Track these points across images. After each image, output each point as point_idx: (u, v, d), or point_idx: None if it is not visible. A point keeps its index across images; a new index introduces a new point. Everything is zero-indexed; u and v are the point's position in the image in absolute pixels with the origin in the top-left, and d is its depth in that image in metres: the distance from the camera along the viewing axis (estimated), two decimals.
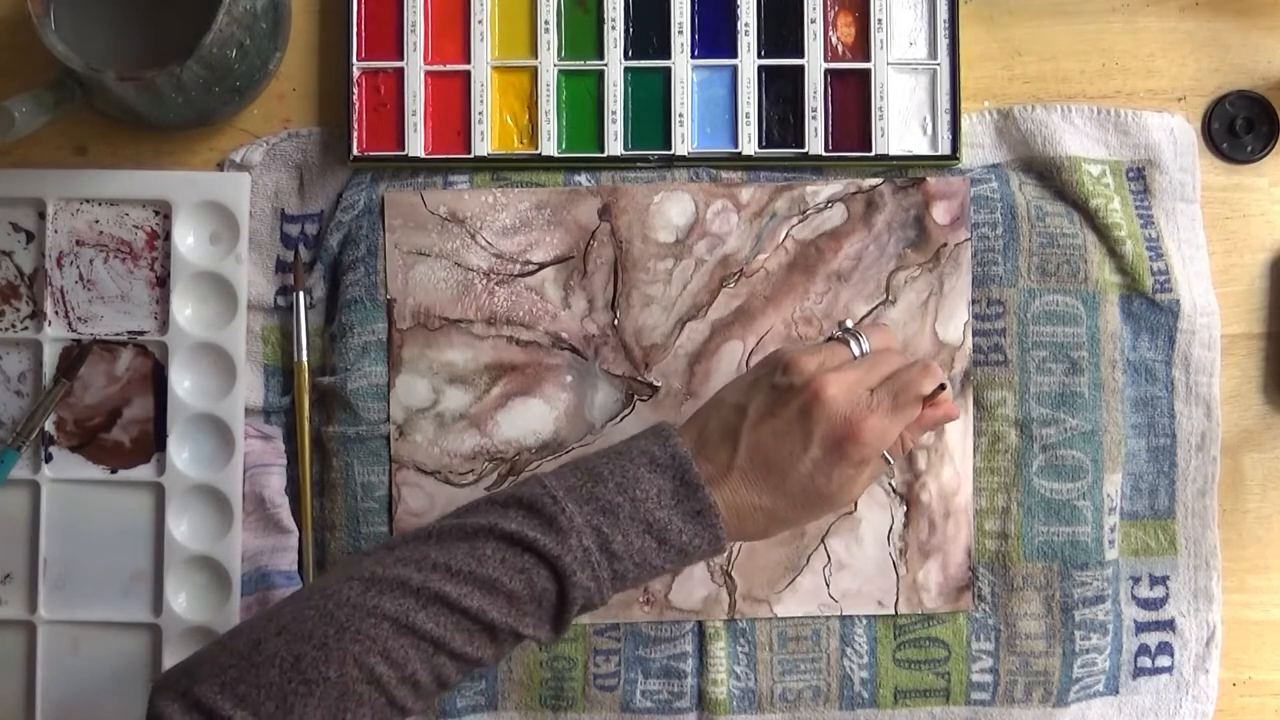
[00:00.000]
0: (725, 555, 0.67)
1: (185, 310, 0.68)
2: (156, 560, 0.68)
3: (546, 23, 0.68)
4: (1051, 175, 0.69)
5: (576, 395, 0.68)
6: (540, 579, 0.53)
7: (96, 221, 0.68)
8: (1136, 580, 0.70)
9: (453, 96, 0.69)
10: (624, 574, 0.54)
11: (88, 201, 0.68)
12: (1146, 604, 0.70)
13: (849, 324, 0.60)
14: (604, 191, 0.68)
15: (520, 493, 0.54)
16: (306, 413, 0.68)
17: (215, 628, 0.67)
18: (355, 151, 0.68)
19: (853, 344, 0.59)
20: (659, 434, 0.56)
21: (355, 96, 0.68)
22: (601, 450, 0.57)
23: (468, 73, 0.68)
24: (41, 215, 0.68)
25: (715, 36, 0.69)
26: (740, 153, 0.69)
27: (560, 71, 0.69)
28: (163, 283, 0.68)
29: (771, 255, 0.68)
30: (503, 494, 0.55)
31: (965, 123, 0.69)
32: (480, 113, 0.68)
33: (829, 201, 0.68)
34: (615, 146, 0.68)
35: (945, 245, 0.68)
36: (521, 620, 0.53)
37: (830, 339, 0.60)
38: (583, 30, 0.69)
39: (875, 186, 0.68)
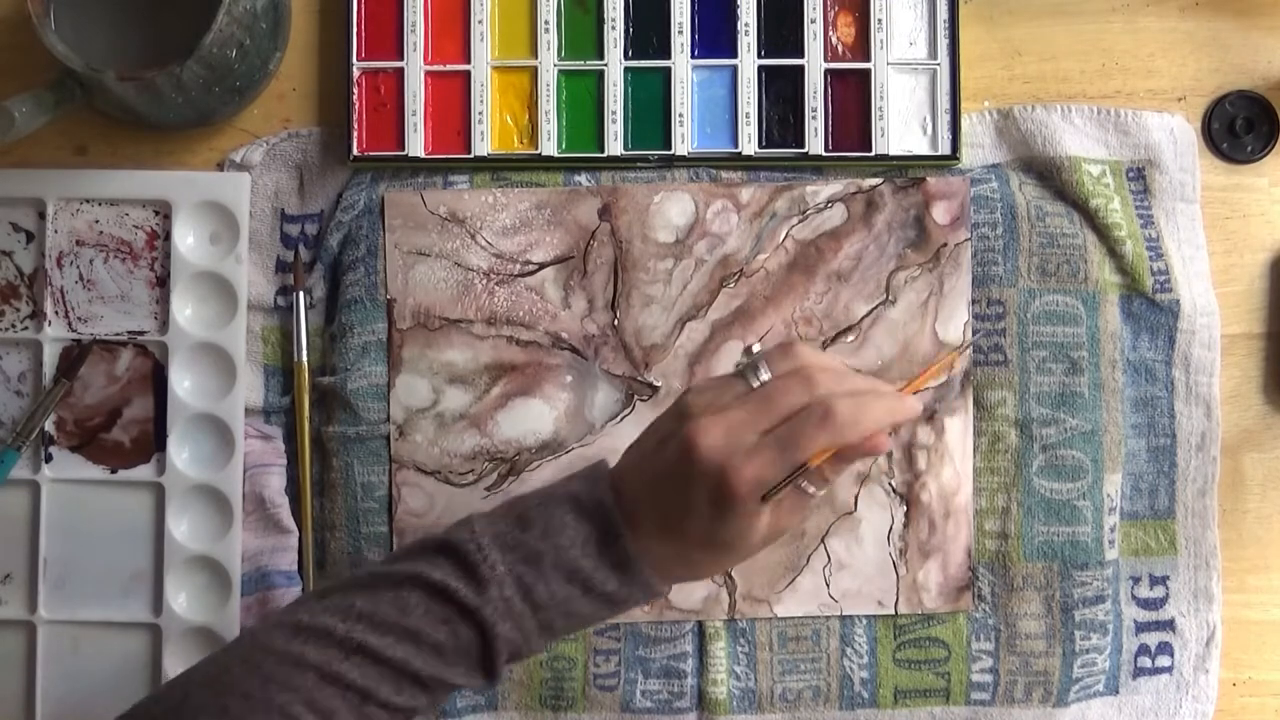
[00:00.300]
0: None
1: (185, 310, 0.68)
2: (156, 560, 0.68)
3: (546, 23, 0.68)
4: (1051, 175, 0.69)
5: (576, 395, 0.68)
6: (463, 631, 0.51)
7: (96, 221, 0.68)
8: (1136, 580, 0.70)
9: (453, 96, 0.69)
10: (550, 623, 0.52)
11: (88, 201, 0.68)
12: (1146, 604, 0.70)
13: (756, 348, 0.54)
14: (604, 191, 0.68)
15: (451, 537, 0.52)
16: (306, 413, 0.68)
17: (215, 628, 0.67)
18: (355, 151, 0.68)
19: (750, 375, 0.52)
20: (591, 476, 0.54)
21: (355, 96, 0.68)
22: (538, 490, 0.55)
23: (468, 73, 0.68)
24: (41, 215, 0.68)
25: (715, 36, 0.69)
26: (740, 153, 0.69)
27: (560, 71, 0.69)
28: (163, 283, 0.68)
29: (771, 255, 0.68)
30: (435, 538, 0.53)
31: (965, 123, 0.69)
32: (480, 113, 0.68)
33: (829, 201, 0.68)
34: (615, 146, 0.68)
35: (945, 245, 0.68)
36: (450, 670, 0.51)
37: (735, 367, 0.54)
38: (583, 30, 0.69)
39: (875, 186, 0.68)
